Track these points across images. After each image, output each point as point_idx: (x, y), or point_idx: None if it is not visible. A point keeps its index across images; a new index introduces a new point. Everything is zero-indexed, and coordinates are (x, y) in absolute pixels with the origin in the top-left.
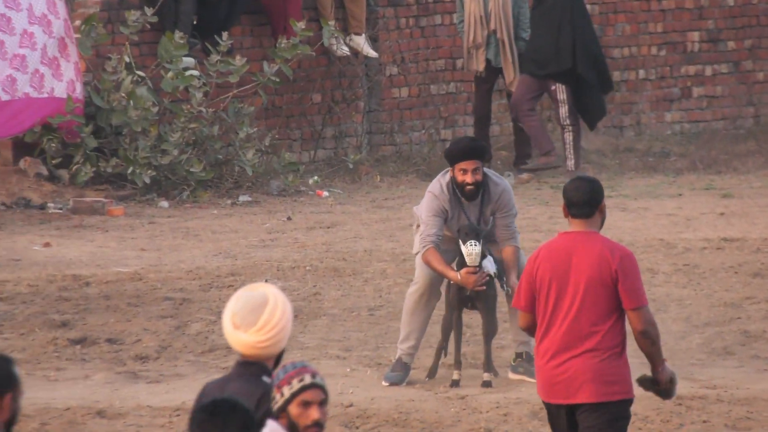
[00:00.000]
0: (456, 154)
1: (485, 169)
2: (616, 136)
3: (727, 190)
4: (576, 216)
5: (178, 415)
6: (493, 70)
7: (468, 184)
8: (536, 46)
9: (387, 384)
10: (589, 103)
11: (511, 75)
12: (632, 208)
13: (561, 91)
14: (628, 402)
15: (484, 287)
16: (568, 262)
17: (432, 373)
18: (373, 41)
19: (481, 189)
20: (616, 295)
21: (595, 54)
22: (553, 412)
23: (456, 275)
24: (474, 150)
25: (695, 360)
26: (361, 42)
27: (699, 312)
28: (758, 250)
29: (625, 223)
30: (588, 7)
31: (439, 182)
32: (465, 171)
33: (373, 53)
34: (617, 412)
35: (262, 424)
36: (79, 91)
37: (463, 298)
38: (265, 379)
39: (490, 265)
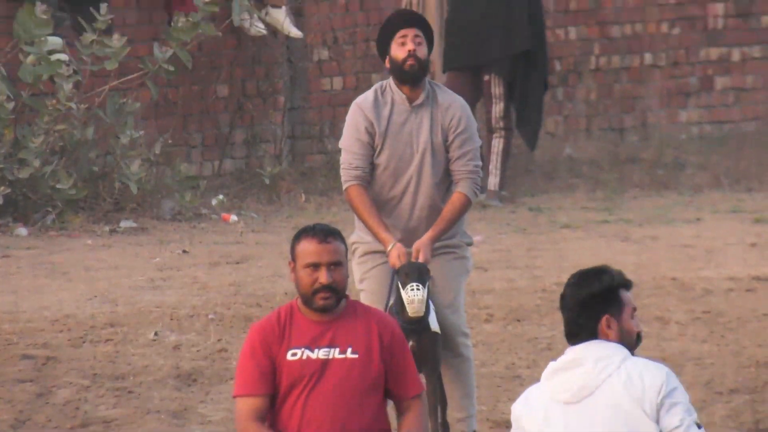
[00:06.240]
0: (393, 22)
1: (432, 81)
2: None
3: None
4: None
5: None
6: None
7: (409, 54)
8: (469, 25)
9: None
10: (533, 107)
11: None
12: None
13: (497, 84)
14: None
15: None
16: None
17: None
18: (297, 16)
19: (424, 71)
20: None
21: (545, 38)
22: None
23: (388, 244)
24: (414, 16)
25: None
26: (282, 17)
27: (724, 374)
28: None
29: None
30: None
31: (370, 89)
32: (404, 40)
33: (296, 32)
34: None
35: None
36: None
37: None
38: None
39: (433, 323)
